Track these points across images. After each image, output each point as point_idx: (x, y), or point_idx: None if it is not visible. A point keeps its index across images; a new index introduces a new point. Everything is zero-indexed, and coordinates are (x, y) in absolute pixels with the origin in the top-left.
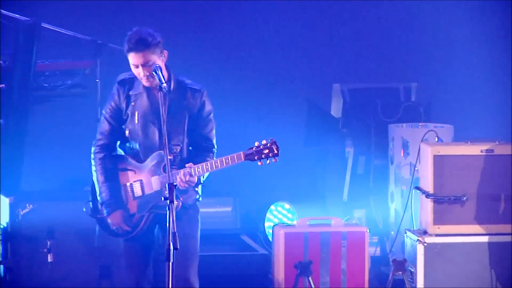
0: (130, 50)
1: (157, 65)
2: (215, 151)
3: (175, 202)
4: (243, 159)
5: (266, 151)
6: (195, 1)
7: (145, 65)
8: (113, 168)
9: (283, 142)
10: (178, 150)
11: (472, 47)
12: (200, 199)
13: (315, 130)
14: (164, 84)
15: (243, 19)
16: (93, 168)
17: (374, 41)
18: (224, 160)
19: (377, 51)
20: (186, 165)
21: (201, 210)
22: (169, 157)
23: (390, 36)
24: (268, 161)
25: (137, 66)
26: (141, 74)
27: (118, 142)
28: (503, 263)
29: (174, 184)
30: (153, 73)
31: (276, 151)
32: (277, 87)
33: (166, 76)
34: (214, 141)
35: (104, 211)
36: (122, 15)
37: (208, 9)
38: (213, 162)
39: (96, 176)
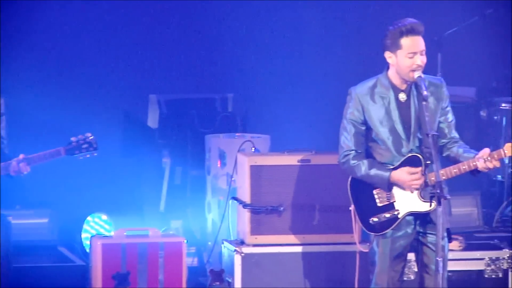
0: None
1: None
2: None
3: None
4: (63, 154)
5: (86, 145)
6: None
7: None
8: None
9: (100, 152)
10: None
11: (290, 57)
12: None
13: (132, 141)
14: None
15: (54, 24)
16: None
17: (191, 51)
18: (42, 155)
19: (194, 62)
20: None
21: (17, 221)
22: None
23: (206, 46)
24: (88, 155)
25: None
26: None
27: None
28: (317, 273)
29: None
30: None
31: (95, 145)
32: (93, 97)
33: None
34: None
35: None
36: None
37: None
38: (31, 157)
39: None
